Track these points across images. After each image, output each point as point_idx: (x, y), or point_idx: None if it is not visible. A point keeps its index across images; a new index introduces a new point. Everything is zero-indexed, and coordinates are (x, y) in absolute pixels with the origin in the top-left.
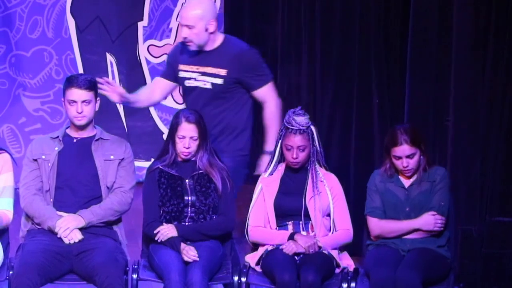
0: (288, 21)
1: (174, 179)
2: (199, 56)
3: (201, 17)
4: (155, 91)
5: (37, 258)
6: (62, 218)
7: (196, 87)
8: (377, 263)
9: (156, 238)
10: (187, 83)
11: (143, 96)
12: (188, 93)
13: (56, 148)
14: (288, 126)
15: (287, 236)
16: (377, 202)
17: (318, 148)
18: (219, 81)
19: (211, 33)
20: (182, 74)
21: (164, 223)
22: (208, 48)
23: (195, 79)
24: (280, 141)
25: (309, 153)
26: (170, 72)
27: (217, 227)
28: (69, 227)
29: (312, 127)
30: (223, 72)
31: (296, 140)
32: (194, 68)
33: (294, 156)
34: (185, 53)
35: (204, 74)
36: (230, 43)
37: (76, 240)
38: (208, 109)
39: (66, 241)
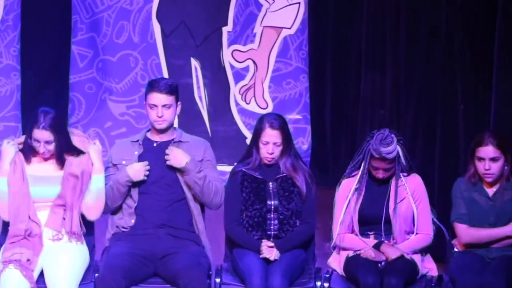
0: (373, 26)
1: (257, 182)
2: None
3: None
4: None
5: (122, 260)
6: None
7: None
8: (464, 270)
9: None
10: None
11: None
12: None
13: (136, 152)
14: (374, 154)
15: (373, 244)
16: (463, 209)
17: (404, 162)
18: None
19: None
20: None
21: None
22: None
23: None
24: (366, 158)
25: (395, 171)
26: None
27: (302, 239)
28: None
29: (399, 148)
30: None
31: (384, 164)
32: None
33: (380, 176)
34: None
35: None
36: None
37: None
38: None
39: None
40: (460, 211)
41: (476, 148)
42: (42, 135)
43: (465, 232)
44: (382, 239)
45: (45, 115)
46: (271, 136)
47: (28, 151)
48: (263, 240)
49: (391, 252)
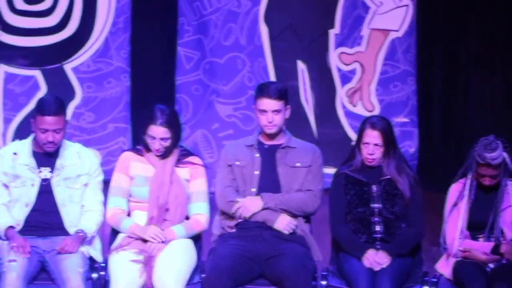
0: (482, 27)
1: (361, 185)
2: None
3: None
4: None
5: (228, 262)
6: (240, 202)
7: None
8: None
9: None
10: None
11: None
12: None
13: (257, 155)
14: (479, 160)
15: (491, 248)
16: None
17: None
18: None
19: None
20: None
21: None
22: None
23: None
24: (472, 165)
25: (501, 178)
26: None
27: (412, 243)
28: (251, 212)
29: (506, 155)
30: None
31: (490, 170)
32: None
33: (487, 183)
34: None
35: None
36: None
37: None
38: None
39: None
40: None
41: None
42: (159, 132)
43: None
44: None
45: (162, 111)
46: (371, 137)
47: (140, 150)
48: (368, 251)
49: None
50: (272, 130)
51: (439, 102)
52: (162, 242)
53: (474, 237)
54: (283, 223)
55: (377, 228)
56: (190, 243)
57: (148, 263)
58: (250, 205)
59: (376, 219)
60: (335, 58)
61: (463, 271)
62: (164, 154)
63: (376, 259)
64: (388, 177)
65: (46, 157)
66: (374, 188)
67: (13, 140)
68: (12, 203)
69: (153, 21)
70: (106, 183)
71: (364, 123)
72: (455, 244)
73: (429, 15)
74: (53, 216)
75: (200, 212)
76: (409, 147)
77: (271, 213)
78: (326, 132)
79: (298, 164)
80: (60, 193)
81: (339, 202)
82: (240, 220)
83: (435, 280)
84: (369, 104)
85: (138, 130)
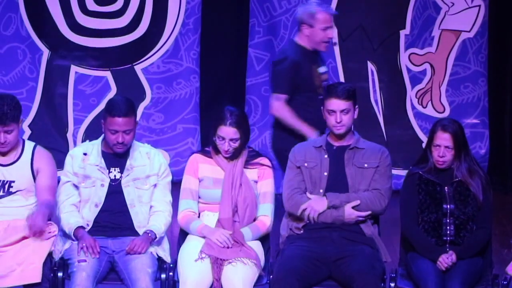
0: None
1: (434, 186)
2: None
3: None
4: None
5: (295, 263)
6: (306, 203)
7: None
8: None
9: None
10: None
11: None
12: None
13: (326, 156)
14: None
15: None
16: None
17: None
18: None
19: None
20: None
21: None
22: None
23: None
24: None
25: None
26: None
27: (479, 245)
28: (318, 211)
29: None
30: None
31: None
32: None
33: None
34: None
35: None
36: None
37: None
38: None
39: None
40: None
41: None
42: (229, 132)
43: None
44: None
45: (231, 112)
46: (442, 139)
47: (209, 152)
48: (442, 256)
49: None
50: (341, 131)
51: (511, 103)
52: (228, 247)
53: None
54: (350, 216)
55: (448, 230)
56: (258, 244)
57: (217, 263)
58: (316, 205)
59: (448, 220)
60: (405, 59)
61: None
62: (233, 155)
63: (449, 262)
64: (460, 179)
65: (115, 157)
66: (447, 189)
67: (83, 141)
68: (82, 203)
69: (224, 22)
70: (174, 184)
71: (435, 126)
72: None
73: (501, 15)
74: (122, 217)
75: (265, 213)
76: (480, 148)
77: (337, 211)
78: (396, 133)
79: (366, 165)
80: (129, 194)
81: (411, 201)
82: (308, 221)
83: (505, 283)
84: (440, 105)
85: (207, 131)
